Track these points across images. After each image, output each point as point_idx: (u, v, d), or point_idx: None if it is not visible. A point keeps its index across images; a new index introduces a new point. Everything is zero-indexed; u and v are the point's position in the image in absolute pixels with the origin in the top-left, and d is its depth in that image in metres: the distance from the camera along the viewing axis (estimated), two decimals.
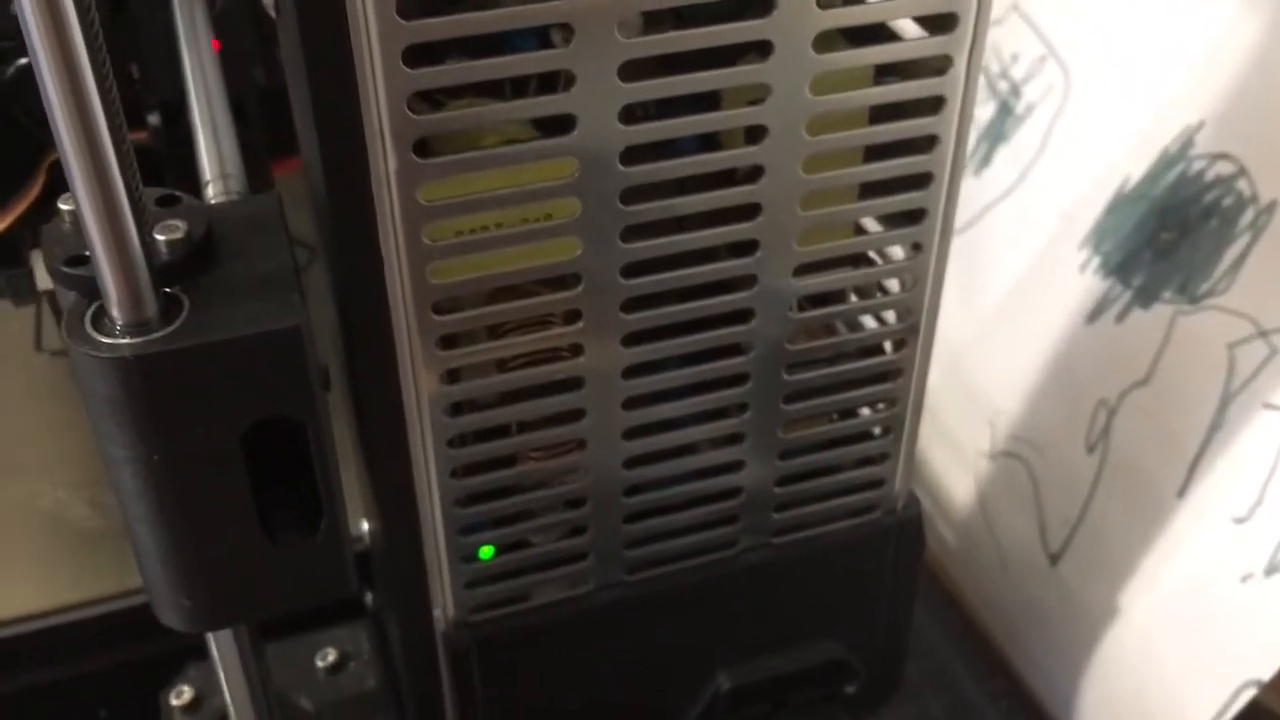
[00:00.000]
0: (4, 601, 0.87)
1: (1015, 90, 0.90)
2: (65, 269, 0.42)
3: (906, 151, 0.48)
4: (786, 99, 0.44)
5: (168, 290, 0.42)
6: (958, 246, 0.95)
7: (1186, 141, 0.74)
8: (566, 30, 0.40)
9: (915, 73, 0.46)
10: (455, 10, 0.39)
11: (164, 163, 0.85)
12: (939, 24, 0.45)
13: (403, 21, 0.38)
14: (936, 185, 0.49)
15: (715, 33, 0.42)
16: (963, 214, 0.94)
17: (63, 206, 0.44)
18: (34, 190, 0.80)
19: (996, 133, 0.91)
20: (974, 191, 0.92)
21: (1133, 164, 0.78)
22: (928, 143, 0.48)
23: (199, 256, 0.43)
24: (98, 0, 0.80)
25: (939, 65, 0.46)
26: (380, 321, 0.45)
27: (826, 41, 0.44)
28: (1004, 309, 0.87)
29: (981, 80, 0.94)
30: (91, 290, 0.41)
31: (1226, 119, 0.72)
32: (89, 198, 0.39)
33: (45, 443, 0.97)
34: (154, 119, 0.83)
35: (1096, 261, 0.78)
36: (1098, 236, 0.79)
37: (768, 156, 0.46)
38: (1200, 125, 0.73)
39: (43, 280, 0.82)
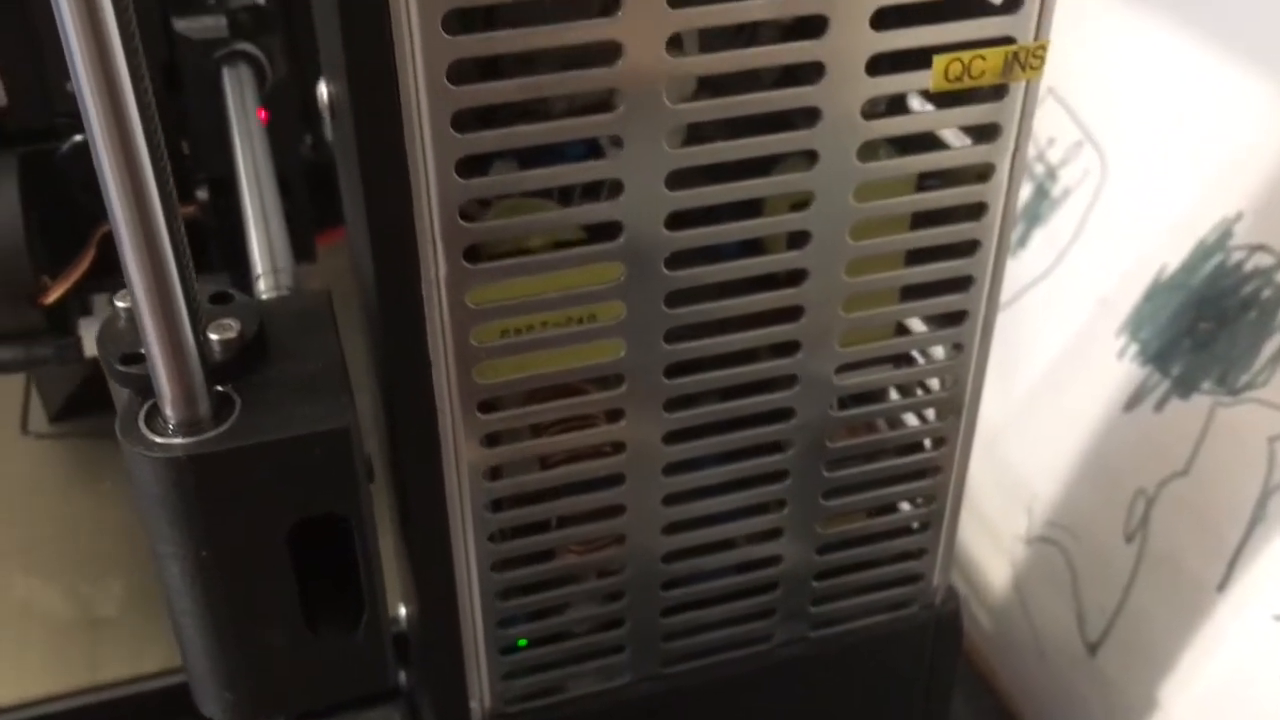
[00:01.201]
0: None
1: (1051, 173, 0.91)
2: (120, 367, 0.43)
3: (949, 255, 0.48)
4: (830, 205, 0.45)
5: (220, 389, 0.43)
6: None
7: (1224, 232, 0.74)
8: (616, 140, 0.41)
9: (958, 179, 0.47)
10: (507, 122, 0.40)
11: (211, 236, 0.87)
12: (982, 133, 0.46)
13: (457, 135, 0.39)
14: (978, 288, 0.49)
15: (762, 143, 0.43)
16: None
17: (118, 304, 0.45)
18: (85, 261, 0.82)
19: (1033, 215, 0.91)
20: (1011, 272, 0.92)
21: (1169, 252, 0.78)
22: (970, 247, 0.48)
23: (251, 355, 0.44)
24: (152, 73, 0.82)
25: (981, 172, 0.47)
26: (426, 418, 0.45)
27: (870, 150, 0.44)
28: (1041, 392, 0.87)
29: None
30: (145, 389, 0.42)
31: (1264, 211, 0.72)
32: (146, 299, 0.39)
33: (22, 528, 0.96)
34: (202, 194, 0.85)
35: (1134, 349, 0.78)
36: (1135, 323, 0.79)
37: (810, 260, 0.46)
38: (1238, 216, 0.73)
39: (89, 348, 0.84)
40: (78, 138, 0.77)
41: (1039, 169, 0.92)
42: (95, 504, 0.95)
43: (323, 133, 0.91)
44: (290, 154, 0.84)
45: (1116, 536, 0.76)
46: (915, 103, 0.48)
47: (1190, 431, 0.72)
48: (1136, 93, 0.84)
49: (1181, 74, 0.79)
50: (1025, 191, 0.93)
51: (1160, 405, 0.75)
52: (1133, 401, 0.77)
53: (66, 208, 0.78)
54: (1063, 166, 0.90)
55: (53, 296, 0.77)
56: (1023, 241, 0.92)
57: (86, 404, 1.06)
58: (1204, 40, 0.79)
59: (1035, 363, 0.88)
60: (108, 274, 0.81)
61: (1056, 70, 0.91)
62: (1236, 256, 0.73)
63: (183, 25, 0.78)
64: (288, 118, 0.85)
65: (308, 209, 0.88)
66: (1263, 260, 0.71)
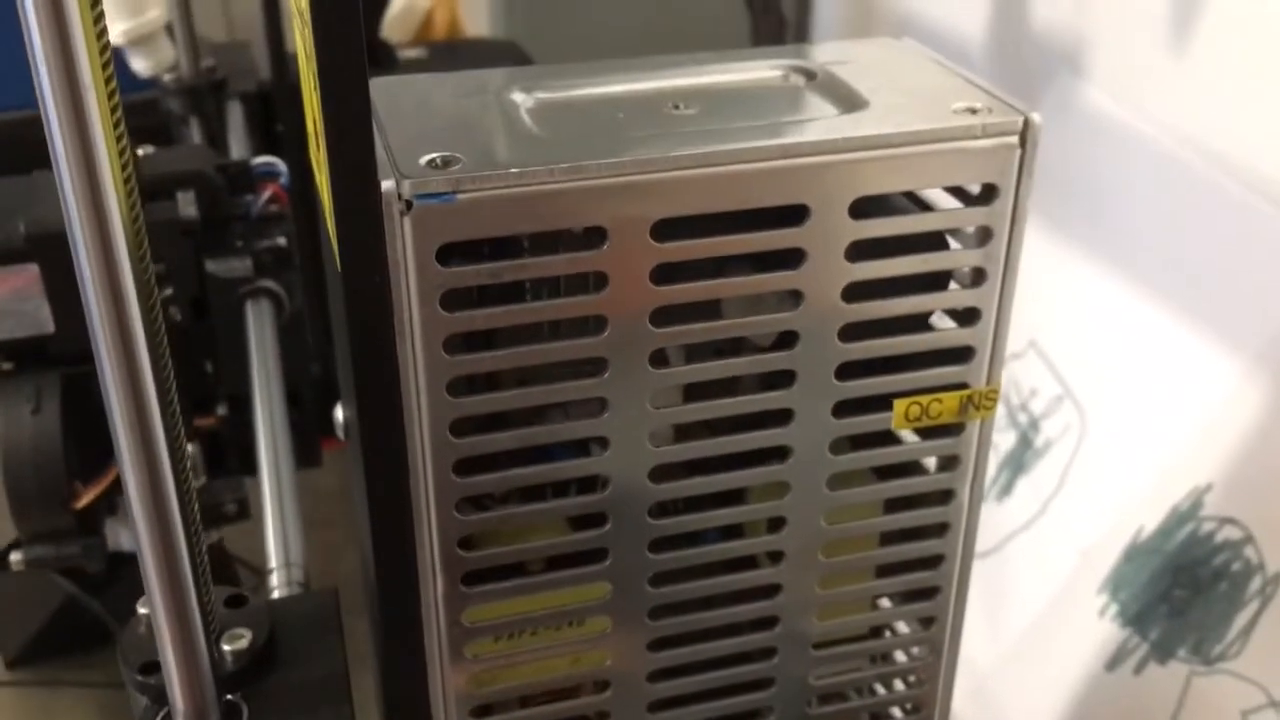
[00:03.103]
0: None
1: (1034, 424, 0.94)
2: (139, 676, 0.46)
3: (916, 569, 0.52)
4: (801, 530, 0.48)
5: (229, 697, 0.46)
6: (981, 570, 0.98)
7: (1196, 501, 0.77)
8: (597, 481, 0.45)
9: (923, 502, 0.50)
10: (505, 467, 0.44)
11: (229, 445, 0.93)
12: (944, 464, 0.50)
13: (457, 479, 0.43)
14: (944, 596, 0.53)
15: (738, 477, 0.47)
16: (985, 540, 0.97)
17: (140, 610, 0.48)
18: (115, 470, 0.86)
19: (1017, 463, 0.95)
20: (996, 517, 0.96)
21: (1146, 514, 0.81)
22: (935, 560, 0.52)
23: (260, 663, 0.47)
24: (183, 306, 0.88)
25: (944, 494, 0.50)
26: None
27: (841, 480, 0.48)
28: (1027, 642, 0.89)
29: (1002, 410, 0.99)
30: (160, 698, 0.45)
31: (1233, 484, 0.75)
32: (165, 619, 0.43)
33: None
34: (222, 409, 0.92)
35: (1114, 609, 0.81)
36: (1115, 583, 0.81)
37: (785, 576, 0.49)
38: (1209, 487, 0.77)
39: (113, 544, 0.88)
40: None
41: (1022, 418, 0.96)
42: None
43: (331, 353, 0.99)
44: (302, 372, 0.93)
45: None
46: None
47: (1168, 698, 0.74)
48: (1113, 351, 0.89)
49: (1157, 336, 0.84)
50: (1009, 439, 0.97)
51: (1139, 669, 0.77)
52: (1114, 662, 0.79)
53: (101, 420, 0.84)
54: (1045, 418, 0.94)
55: (84, 501, 0.83)
56: (1008, 489, 0.95)
57: (45, 650, 1.09)
58: (1177, 306, 0.83)
59: (1020, 611, 0.90)
60: None
61: (1038, 323, 0.96)
62: (1208, 527, 0.76)
63: (213, 266, 0.86)
64: (301, 341, 0.94)
65: (315, 419, 0.96)
66: (1232, 533, 0.74)
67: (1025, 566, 0.92)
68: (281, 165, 0.85)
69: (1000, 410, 1.02)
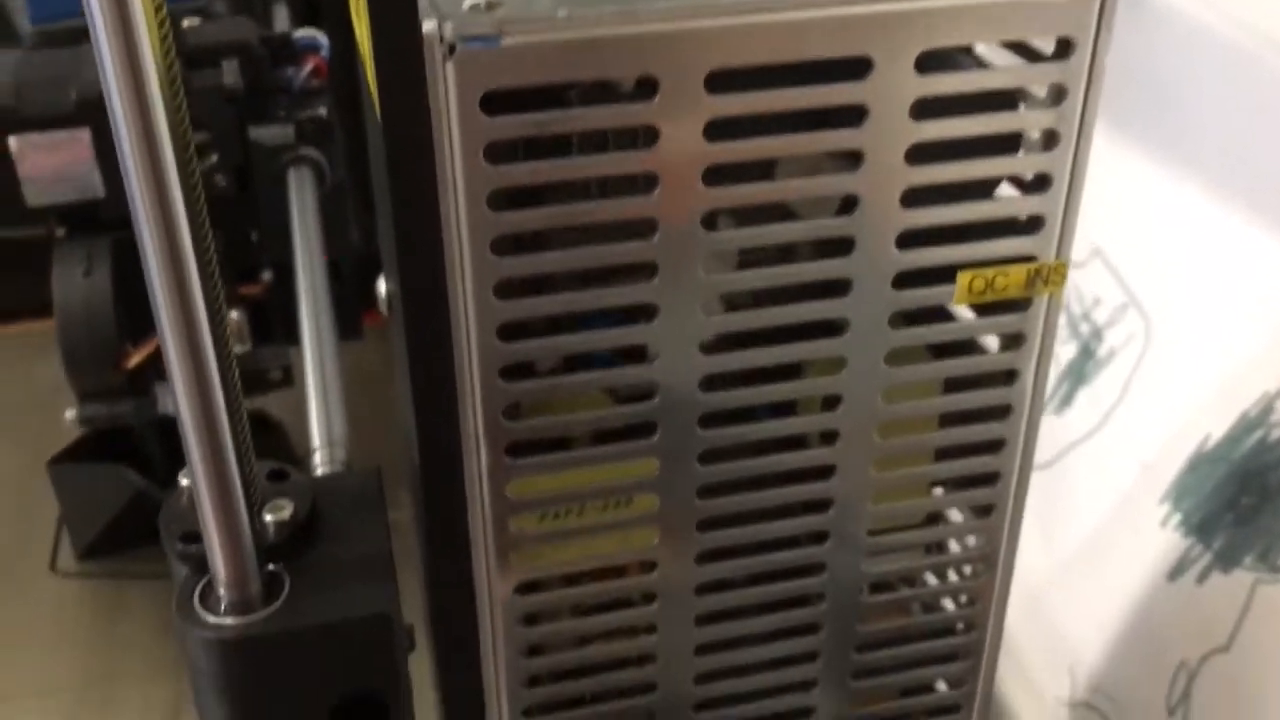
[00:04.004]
0: None
1: (1097, 334, 0.92)
2: (180, 545, 0.46)
3: (976, 452, 0.50)
4: (858, 406, 0.47)
5: (271, 567, 0.45)
6: (1038, 482, 0.96)
7: (1267, 406, 0.74)
8: (646, 351, 0.44)
9: (986, 382, 0.48)
10: (548, 334, 0.43)
11: (274, 311, 0.96)
12: (1008, 341, 0.48)
13: (501, 344, 0.42)
14: (1004, 483, 0.51)
15: (791, 350, 0.45)
16: (1044, 452, 0.95)
17: (182, 481, 0.48)
18: None
19: (1078, 374, 0.92)
20: (1055, 430, 0.93)
21: (1213, 422, 0.78)
22: (996, 445, 0.50)
23: (302, 535, 0.46)
24: (228, 173, 0.90)
25: (1008, 375, 0.48)
26: (467, 601, 0.47)
27: (899, 355, 0.46)
28: (1084, 553, 0.87)
29: (1063, 320, 0.96)
30: (201, 566, 0.45)
31: None
32: (206, 486, 0.42)
33: (41, 670, 1.00)
34: (267, 275, 0.94)
35: (1177, 518, 0.78)
36: (1178, 493, 0.79)
37: (839, 457, 0.48)
38: None
39: (163, 407, 0.91)
40: None
41: (1084, 328, 0.93)
42: (114, 652, 0.98)
43: (373, 225, 1.02)
44: (343, 244, 0.95)
45: (1159, 709, 0.76)
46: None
47: (1232, 607, 0.72)
48: (1182, 258, 0.86)
49: (1228, 243, 0.81)
50: (1070, 350, 0.94)
51: (1202, 578, 0.75)
52: (1175, 571, 0.77)
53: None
54: (1108, 328, 0.91)
55: (134, 361, 0.86)
56: (1068, 400, 0.93)
57: (114, 543, 1.11)
58: (1246, 207, 0.80)
59: (1079, 523, 0.88)
60: None
61: (1102, 229, 0.93)
62: (1278, 433, 0.73)
63: (257, 133, 0.89)
64: (343, 213, 0.95)
65: (357, 291, 0.97)
66: None
67: (1084, 479, 0.89)
68: (323, 38, 0.86)
69: (1061, 320, 0.99)
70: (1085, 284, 0.94)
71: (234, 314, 0.87)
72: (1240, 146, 0.81)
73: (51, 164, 0.77)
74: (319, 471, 0.53)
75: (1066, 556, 0.89)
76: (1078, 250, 1.02)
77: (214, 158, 0.84)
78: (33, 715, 0.94)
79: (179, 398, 0.41)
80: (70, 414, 0.82)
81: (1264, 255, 0.77)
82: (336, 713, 0.46)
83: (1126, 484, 0.84)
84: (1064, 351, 0.95)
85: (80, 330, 0.79)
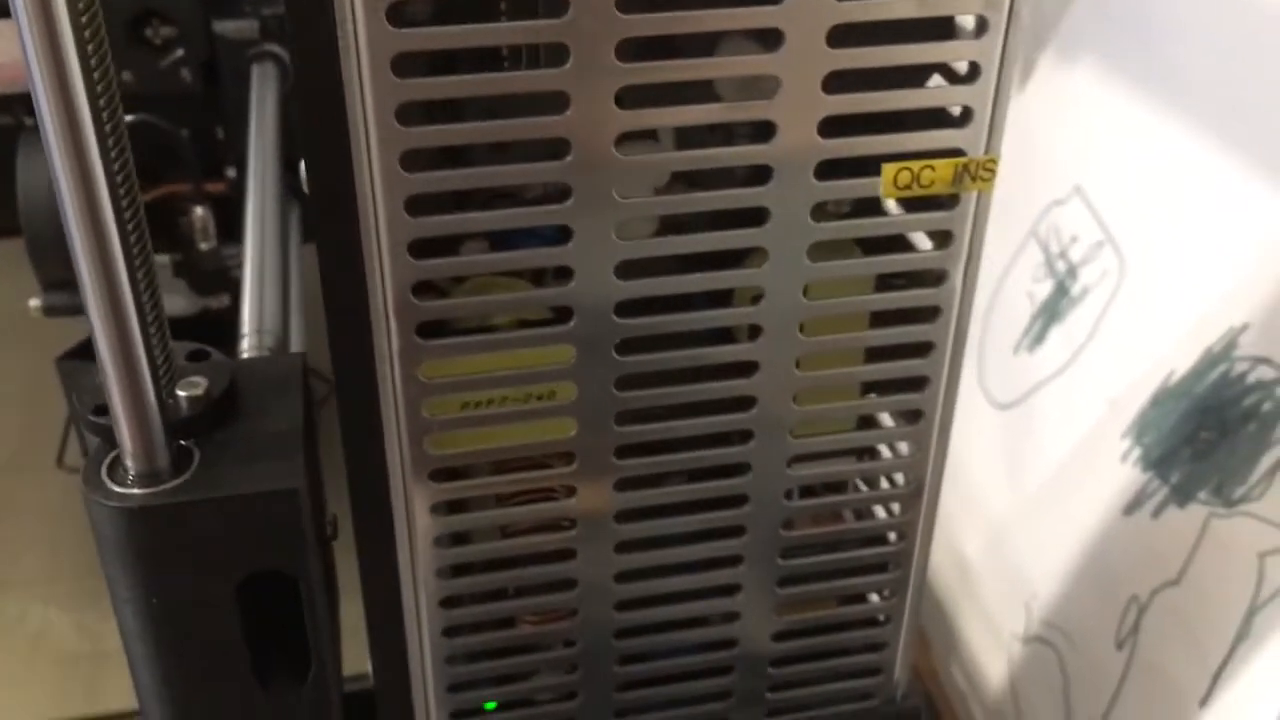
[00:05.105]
0: None
1: (1072, 272, 0.91)
2: (91, 417, 0.45)
3: (905, 355, 0.49)
4: (780, 302, 0.46)
5: (183, 443, 0.45)
6: (1006, 421, 0.96)
7: (1230, 342, 0.73)
8: (564, 228, 0.43)
9: (915, 282, 0.48)
10: (460, 209, 0.42)
11: (237, 211, 0.96)
12: (936, 240, 0.47)
13: (409, 218, 0.41)
14: (933, 388, 0.50)
15: (710, 238, 0.44)
16: (1013, 390, 0.94)
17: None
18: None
19: (1051, 312, 0.91)
20: (1027, 368, 0.92)
21: (1178, 358, 0.77)
22: (925, 348, 0.49)
23: (217, 412, 0.46)
24: (194, 68, 0.89)
25: (937, 276, 0.47)
26: (380, 485, 0.47)
27: (823, 250, 0.45)
28: (1046, 491, 0.87)
29: (1040, 258, 0.95)
30: (111, 438, 0.44)
31: (1270, 323, 0.71)
32: (110, 357, 0.42)
33: (45, 560, 1.00)
34: (231, 172, 0.94)
35: (1137, 453, 0.78)
36: (1140, 428, 0.78)
37: (762, 353, 0.47)
38: (1244, 327, 0.73)
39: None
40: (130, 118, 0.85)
41: (1060, 266, 0.92)
42: None
43: None
44: None
45: (1108, 642, 0.75)
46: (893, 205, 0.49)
47: (1185, 541, 0.72)
48: (1160, 197, 0.84)
49: (1205, 181, 0.79)
50: (1046, 288, 0.93)
51: (1158, 512, 0.74)
52: (1132, 506, 0.77)
53: None
54: (1083, 265, 0.90)
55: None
56: (1040, 338, 0.92)
57: None
58: (1229, 146, 0.79)
59: (1045, 461, 0.87)
60: (156, 234, 0.96)
61: (1083, 166, 0.92)
62: (1240, 367, 0.72)
63: (221, 27, 0.89)
64: None
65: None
66: (1265, 373, 0.71)
67: (1052, 417, 0.89)
68: None
69: (1038, 258, 0.98)
70: (1064, 221, 0.93)
71: (198, 210, 0.86)
72: (1223, 85, 0.79)
73: (16, 52, 0.76)
74: (245, 355, 0.52)
75: (1029, 494, 0.88)
76: (1058, 187, 1.01)
77: (179, 52, 0.83)
78: (36, 603, 0.95)
79: (78, 264, 0.41)
80: (34, 303, 0.82)
81: (1242, 195, 0.76)
82: (252, 594, 0.46)
83: (1092, 421, 0.84)
84: (1039, 290, 0.94)
85: (43, 218, 0.79)
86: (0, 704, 0.86)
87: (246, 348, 0.52)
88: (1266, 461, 0.69)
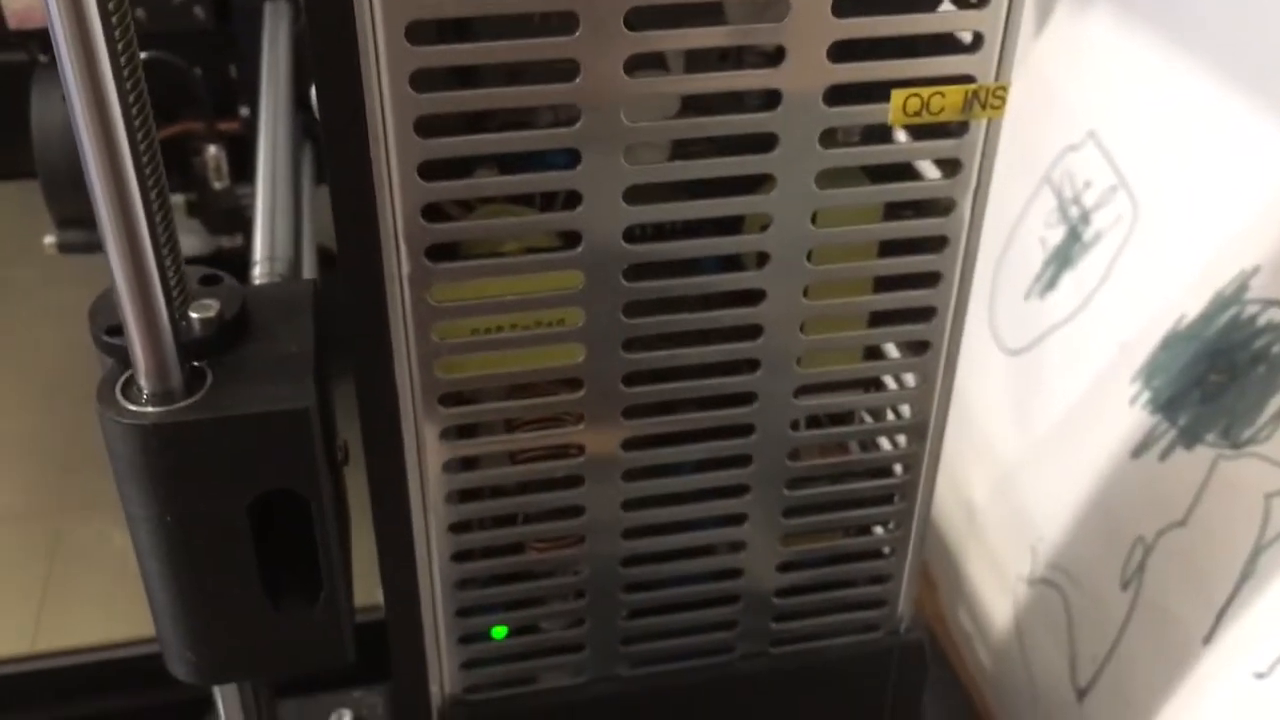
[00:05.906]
0: (67, 631, 0.92)
1: (1085, 217, 0.90)
2: (105, 337, 0.46)
3: (912, 285, 0.49)
4: (788, 230, 0.46)
5: (196, 364, 0.46)
6: (1017, 367, 0.96)
7: (1241, 285, 0.73)
8: (574, 153, 0.43)
9: (922, 211, 0.48)
10: (474, 130, 0.42)
11: (250, 149, 0.96)
12: (944, 168, 0.47)
13: (419, 139, 0.41)
14: (940, 319, 0.50)
15: (718, 164, 0.44)
16: (1024, 336, 0.94)
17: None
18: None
19: (1064, 258, 0.91)
20: (1037, 314, 0.92)
21: (1189, 302, 0.77)
22: (932, 278, 0.49)
23: (229, 334, 0.47)
24: (205, 6, 0.89)
25: (945, 205, 0.48)
26: (390, 410, 0.47)
27: (830, 177, 0.46)
28: (1057, 434, 0.87)
29: (1053, 204, 0.95)
30: (126, 359, 0.45)
31: None
32: (124, 277, 0.42)
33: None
34: (245, 111, 0.94)
35: (1146, 396, 0.78)
36: (1149, 371, 0.78)
37: (768, 281, 0.47)
38: (1255, 270, 0.73)
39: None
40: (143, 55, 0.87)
41: (1074, 211, 0.92)
42: None
43: None
44: None
45: (1113, 583, 0.76)
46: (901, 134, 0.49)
47: (1191, 482, 0.72)
48: (1173, 139, 0.84)
49: (1220, 123, 0.79)
50: (1059, 234, 0.93)
51: (1165, 454, 0.75)
52: (1140, 449, 0.77)
53: None
54: (1096, 210, 0.89)
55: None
56: (1052, 284, 0.92)
57: None
58: (1245, 89, 0.78)
59: (1055, 405, 0.88)
60: (171, 173, 0.97)
61: (1099, 112, 0.91)
62: (1251, 310, 0.72)
63: None
64: None
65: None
66: (1276, 316, 0.70)
67: (1062, 362, 0.89)
68: None
69: (1051, 204, 0.98)
70: (1079, 167, 0.93)
71: (212, 149, 0.86)
72: (1237, 30, 0.79)
73: None
74: (257, 282, 0.53)
75: (1037, 439, 0.88)
76: (1073, 132, 1.00)
77: None
78: (120, 524, 0.98)
79: (93, 190, 0.41)
80: (49, 239, 0.82)
81: (1252, 137, 0.76)
82: (265, 513, 0.47)
83: (1102, 364, 0.84)
84: (1051, 236, 0.94)
85: (57, 155, 0.79)
86: (88, 621, 0.89)
87: (258, 275, 0.53)
88: (1275, 404, 0.69)
